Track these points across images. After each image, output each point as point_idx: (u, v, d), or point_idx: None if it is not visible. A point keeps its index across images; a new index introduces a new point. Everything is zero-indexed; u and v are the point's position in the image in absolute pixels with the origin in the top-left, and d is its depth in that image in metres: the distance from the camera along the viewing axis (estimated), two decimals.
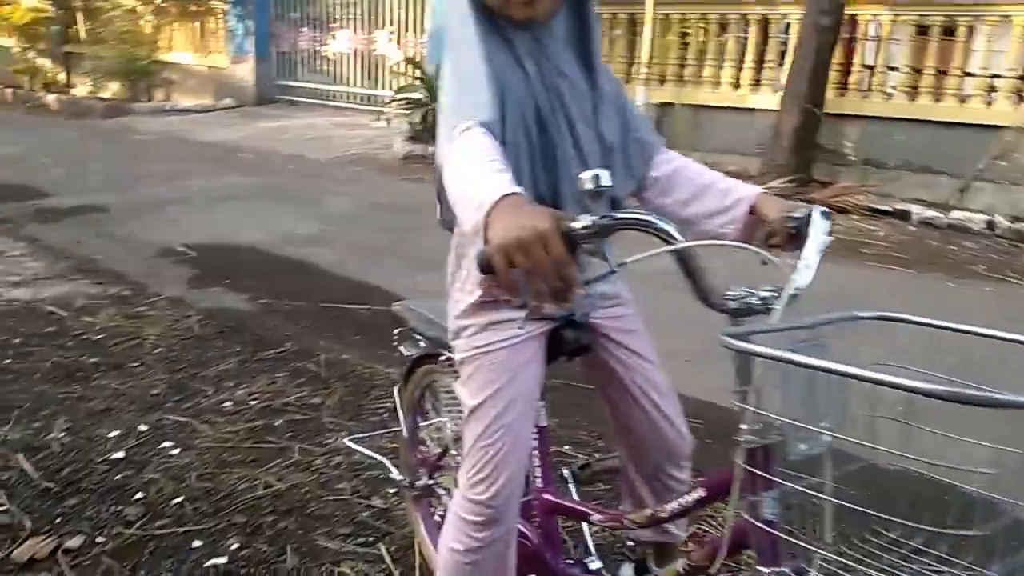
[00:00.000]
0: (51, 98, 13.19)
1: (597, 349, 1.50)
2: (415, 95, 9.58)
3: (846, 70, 7.86)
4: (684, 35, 8.86)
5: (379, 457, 2.28)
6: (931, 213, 6.54)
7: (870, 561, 0.97)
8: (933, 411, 0.89)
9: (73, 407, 2.96)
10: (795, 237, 1.28)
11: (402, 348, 2.01)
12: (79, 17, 13.76)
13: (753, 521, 1.09)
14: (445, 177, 1.24)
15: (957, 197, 6.78)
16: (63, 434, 2.75)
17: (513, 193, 1.05)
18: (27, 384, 3.13)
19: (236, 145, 9.65)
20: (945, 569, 0.95)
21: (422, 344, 1.92)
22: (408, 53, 10.82)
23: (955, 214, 6.51)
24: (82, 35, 13.77)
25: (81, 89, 13.91)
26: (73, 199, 6.41)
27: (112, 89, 13.29)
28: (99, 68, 13.00)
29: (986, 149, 6.59)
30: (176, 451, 2.69)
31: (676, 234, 1.10)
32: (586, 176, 1.08)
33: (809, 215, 1.26)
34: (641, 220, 1.09)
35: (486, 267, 0.99)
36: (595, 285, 1.22)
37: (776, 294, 1.12)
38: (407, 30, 11.54)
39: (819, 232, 1.22)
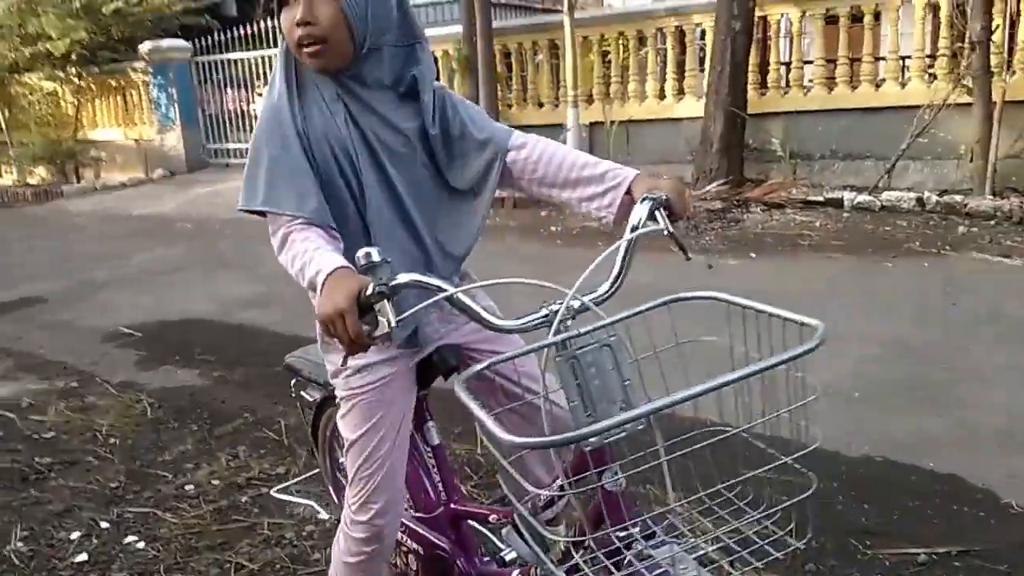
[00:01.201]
0: None
1: (468, 363, 1.61)
2: None
3: (763, 70, 8.09)
4: (605, 54, 9.04)
5: (305, 502, 2.31)
6: (862, 198, 6.74)
7: (705, 518, 1.17)
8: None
9: (30, 512, 2.87)
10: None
11: (303, 394, 2.19)
12: None
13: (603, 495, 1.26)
14: (280, 258, 1.46)
15: (885, 179, 6.99)
16: (21, 544, 2.66)
17: (331, 272, 1.29)
18: None
19: (171, 216, 9.53)
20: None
21: (320, 387, 2.08)
22: None
23: (885, 195, 6.71)
24: (2, 123, 13.49)
25: (7, 178, 13.62)
26: (9, 293, 6.24)
27: (39, 174, 13.03)
28: (23, 155, 12.75)
29: (905, 129, 6.82)
30: (141, 545, 2.62)
31: (443, 285, 1.28)
32: (360, 254, 1.26)
33: (652, 200, 1.41)
34: (415, 281, 1.27)
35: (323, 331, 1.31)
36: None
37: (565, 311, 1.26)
38: None
39: (630, 227, 1.38)
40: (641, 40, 8.67)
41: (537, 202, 6.87)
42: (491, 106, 8.82)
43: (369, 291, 1.23)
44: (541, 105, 9.47)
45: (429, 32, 8.12)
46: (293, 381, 2.21)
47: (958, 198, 6.44)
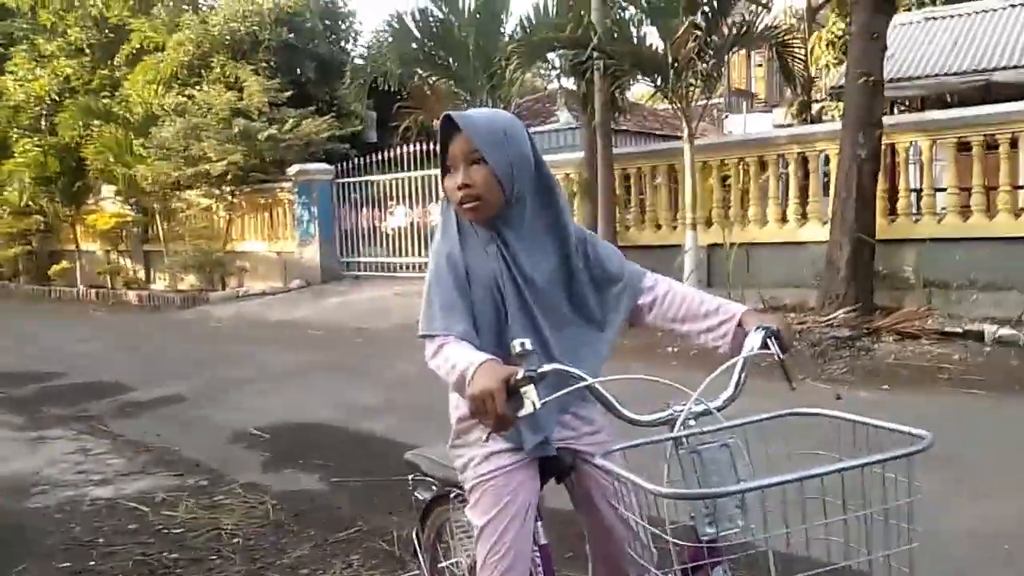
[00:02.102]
0: (132, 295, 14.07)
1: (579, 469, 1.81)
2: None
3: (892, 196, 7.93)
4: (724, 178, 9.13)
5: None
6: (1005, 331, 6.34)
7: None
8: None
9: None
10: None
11: (416, 494, 2.27)
12: (157, 218, 14.86)
13: None
14: (431, 363, 1.71)
15: None
16: None
17: (483, 363, 1.54)
18: None
19: (305, 322, 10.05)
20: None
21: (433, 488, 2.19)
22: None
23: None
24: (160, 234, 14.81)
25: (160, 284, 14.81)
26: (152, 391, 6.69)
27: (188, 281, 14.11)
28: (176, 263, 13.88)
29: None
30: None
31: (582, 375, 1.51)
32: (516, 343, 1.50)
33: (765, 329, 1.63)
34: (556, 370, 1.50)
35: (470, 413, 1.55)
36: (579, 416, 1.81)
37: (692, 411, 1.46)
38: None
39: (746, 350, 1.58)
40: (762, 165, 8.72)
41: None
42: (609, 227, 8.99)
43: (520, 375, 1.43)
44: (659, 227, 9.57)
45: (552, 158, 8.46)
46: (411, 477, 2.28)
47: None
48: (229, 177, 13.21)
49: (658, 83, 8.74)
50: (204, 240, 13.86)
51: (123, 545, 3.55)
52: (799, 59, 10.18)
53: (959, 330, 6.46)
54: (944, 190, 7.73)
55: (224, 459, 4.77)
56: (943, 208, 7.69)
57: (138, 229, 15.75)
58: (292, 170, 13.18)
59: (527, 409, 1.40)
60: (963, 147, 7.60)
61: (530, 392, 1.40)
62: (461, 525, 2.08)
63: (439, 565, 2.25)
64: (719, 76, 10.02)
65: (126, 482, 4.44)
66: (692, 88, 8.61)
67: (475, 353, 1.61)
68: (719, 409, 1.47)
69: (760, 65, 22.36)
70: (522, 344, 1.48)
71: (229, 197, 13.92)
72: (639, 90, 12.46)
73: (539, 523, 1.88)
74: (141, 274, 15.79)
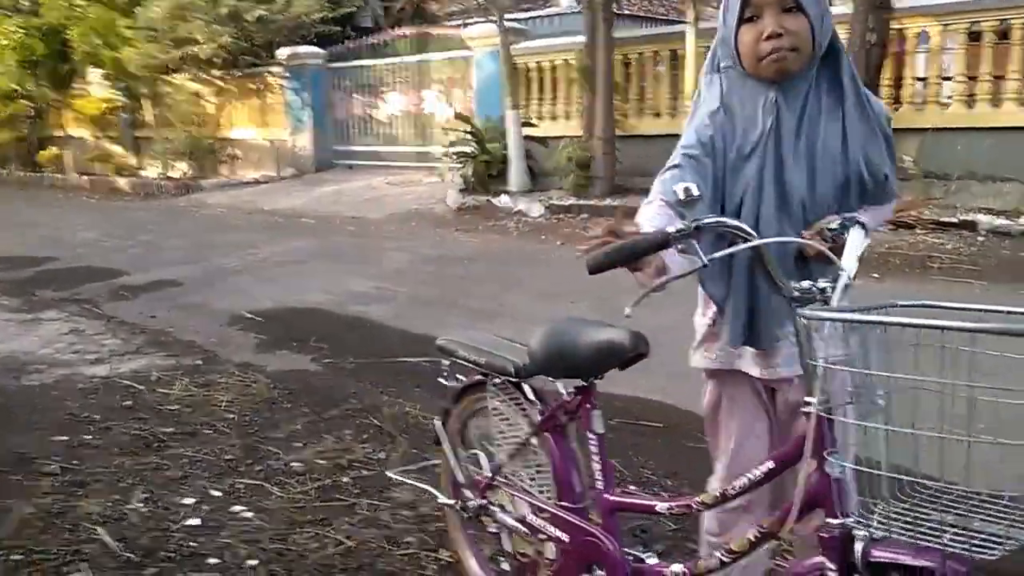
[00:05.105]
0: (123, 181, 13.92)
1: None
2: (466, 149, 9.78)
3: (898, 84, 7.72)
4: None
5: (423, 486, 2.32)
6: (1001, 221, 6.31)
7: (917, 511, 1.16)
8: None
9: (150, 477, 3.06)
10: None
11: (443, 381, 2.12)
12: (146, 104, 14.53)
13: (832, 473, 1.27)
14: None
15: None
16: (141, 504, 2.84)
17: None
18: (107, 457, 3.25)
19: (298, 211, 9.98)
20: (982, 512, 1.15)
21: (464, 376, 2.07)
22: (457, 109, 11.09)
23: None
24: (150, 120, 14.52)
25: (151, 171, 14.64)
26: (148, 276, 6.70)
27: (180, 168, 13.94)
28: (167, 150, 13.68)
29: None
30: (249, 514, 2.75)
31: (752, 232, 1.34)
32: (679, 188, 1.37)
33: (846, 221, 1.47)
34: (721, 222, 1.34)
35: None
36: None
37: (833, 286, 1.33)
38: (453, 87, 11.84)
39: (858, 234, 1.44)
40: None
41: None
42: (608, 115, 8.81)
43: (679, 226, 1.27)
44: (659, 115, 9.37)
45: (551, 42, 8.20)
46: (447, 363, 2.10)
47: None
48: (217, 61, 12.84)
49: None
50: (195, 127, 13.61)
51: (118, 421, 3.61)
52: None
53: (955, 220, 6.45)
54: (950, 79, 7.52)
55: (219, 341, 4.82)
56: (948, 97, 7.50)
57: (127, 115, 15.43)
58: (283, 54, 12.80)
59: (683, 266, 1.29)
60: (974, 36, 7.35)
61: (690, 247, 1.27)
62: (499, 412, 1.97)
63: (470, 452, 2.13)
64: None
65: (121, 362, 4.49)
66: None
67: (650, 206, 1.49)
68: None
69: None
70: (686, 190, 1.36)
71: (218, 82, 13.56)
72: None
73: (596, 412, 1.76)
74: (132, 161, 15.58)
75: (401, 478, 2.39)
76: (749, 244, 1.32)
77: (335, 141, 13.26)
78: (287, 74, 13.02)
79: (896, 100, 7.65)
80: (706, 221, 1.29)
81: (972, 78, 7.31)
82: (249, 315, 5.35)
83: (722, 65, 1.64)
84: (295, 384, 4.02)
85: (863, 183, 1.59)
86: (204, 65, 13.06)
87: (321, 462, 3.13)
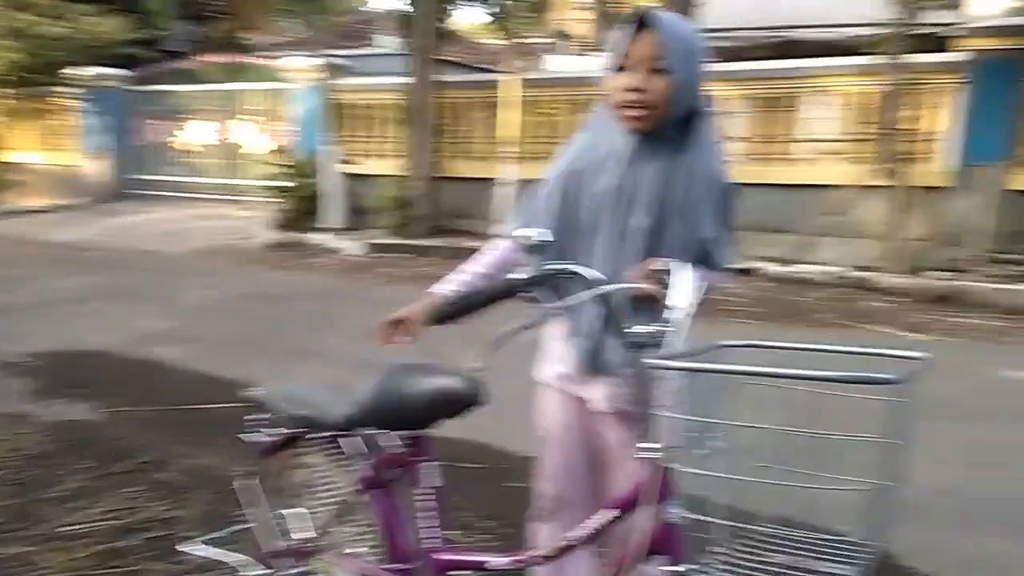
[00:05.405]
0: None
1: None
2: (284, 184, 9.51)
3: None
4: (545, 113, 9.17)
5: (232, 558, 2.11)
6: (779, 269, 6.96)
7: (752, 553, 1.18)
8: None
9: None
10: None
11: (246, 438, 1.95)
12: None
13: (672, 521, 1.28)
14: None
15: (802, 252, 7.25)
16: None
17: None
18: None
19: (89, 243, 9.16)
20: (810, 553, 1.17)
21: (275, 431, 1.91)
22: (273, 142, 10.73)
23: (801, 268, 6.95)
24: None
25: None
26: None
27: None
28: None
29: (827, 206, 7.11)
30: None
31: (599, 275, 1.37)
32: (529, 232, 1.40)
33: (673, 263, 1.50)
34: (567, 270, 1.35)
35: None
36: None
37: (666, 329, 1.34)
38: (268, 120, 11.44)
39: (685, 273, 1.45)
40: (578, 104, 8.87)
41: None
42: (424, 157, 8.92)
43: (520, 275, 1.33)
44: (478, 159, 9.54)
45: (374, 80, 8.12)
46: (262, 417, 1.94)
47: (871, 275, 6.70)
48: (7, 78, 11.66)
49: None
50: None
51: None
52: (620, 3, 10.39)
53: (745, 267, 7.03)
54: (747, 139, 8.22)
55: None
56: (746, 155, 8.20)
57: None
58: (81, 74, 11.83)
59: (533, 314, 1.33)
60: (751, 103, 8.09)
61: (540, 295, 1.33)
62: (319, 469, 1.86)
63: (286, 513, 1.99)
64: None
65: None
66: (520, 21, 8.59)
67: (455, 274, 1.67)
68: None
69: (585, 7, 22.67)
70: (540, 234, 1.40)
71: (5, 101, 12.31)
72: (468, 19, 12.24)
73: (433, 463, 1.72)
74: None
75: (197, 552, 2.14)
76: (589, 293, 1.35)
77: (136, 169, 12.37)
78: (85, 96, 12.03)
79: None
80: (550, 268, 1.34)
81: (747, 139, 8.05)
82: (20, 359, 4.78)
83: (600, 106, 1.74)
84: (75, 436, 3.61)
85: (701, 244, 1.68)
86: None
87: (106, 523, 2.81)
